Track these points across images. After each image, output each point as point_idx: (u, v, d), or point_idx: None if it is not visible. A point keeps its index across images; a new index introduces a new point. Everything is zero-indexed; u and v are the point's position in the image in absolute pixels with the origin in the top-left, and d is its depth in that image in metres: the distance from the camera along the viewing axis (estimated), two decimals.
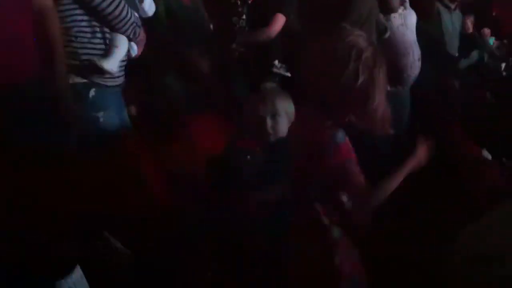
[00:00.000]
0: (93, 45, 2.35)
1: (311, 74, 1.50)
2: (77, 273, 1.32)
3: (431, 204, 1.96)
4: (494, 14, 8.65)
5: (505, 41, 7.02)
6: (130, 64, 2.58)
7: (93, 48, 2.35)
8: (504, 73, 5.41)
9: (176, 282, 1.54)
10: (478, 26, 7.71)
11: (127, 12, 2.40)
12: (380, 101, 1.42)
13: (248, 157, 2.62)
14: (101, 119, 2.38)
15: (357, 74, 1.38)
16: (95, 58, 2.32)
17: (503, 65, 5.15)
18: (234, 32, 3.62)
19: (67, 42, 2.27)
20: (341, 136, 1.45)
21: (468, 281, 1.02)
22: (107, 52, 2.37)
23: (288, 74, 3.60)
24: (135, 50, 2.63)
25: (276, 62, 3.57)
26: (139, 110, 3.04)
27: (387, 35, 3.01)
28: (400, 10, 3.05)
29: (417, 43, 3.20)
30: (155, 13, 2.73)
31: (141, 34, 2.61)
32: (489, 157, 2.52)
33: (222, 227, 1.62)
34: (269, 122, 2.08)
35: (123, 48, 2.43)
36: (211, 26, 3.61)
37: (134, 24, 2.47)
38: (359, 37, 1.45)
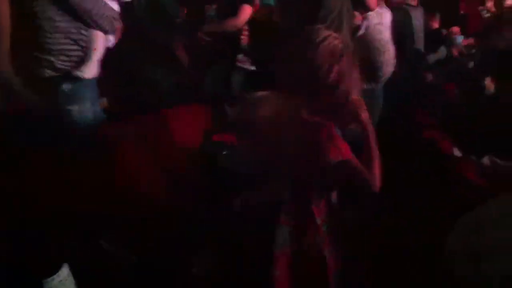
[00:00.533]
0: (69, 41, 2.31)
1: (290, 73, 1.53)
2: (65, 271, 1.30)
3: (424, 200, 2.01)
4: (461, 12, 8.87)
5: (472, 38, 7.20)
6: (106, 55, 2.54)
7: (68, 44, 2.31)
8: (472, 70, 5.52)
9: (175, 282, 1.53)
10: (447, 24, 7.89)
11: (102, 7, 2.37)
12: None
13: (224, 152, 2.62)
14: (76, 112, 2.35)
15: (330, 74, 1.44)
16: (74, 70, 2.31)
17: (472, 62, 5.26)
18: (203, 21, 3.65)
19: (42, 37, 2.24)
20: (340, 133, 1.50)
21: (458, 277, 1.06)
22: (85, 57, 2.34)
23: (253, 68, 3.66)
24: (111, 41, 2.61)
25: (241, 56, 3.62)
26: (114, 102, 3.01)
27: (359, 33, 3.04)
28: (377, 9, 3.09)
29: (391, 41, 3.26)
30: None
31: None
32: (460, 154, 2.59)
33: (216, 225, 1.62)
34: None
35: (101, 47, 2.41)
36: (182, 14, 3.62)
37: (111, 18, 2.43)
38: (335, 40, 1.49)
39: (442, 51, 6.35)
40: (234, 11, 3.48)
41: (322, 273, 1.40)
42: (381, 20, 3.19)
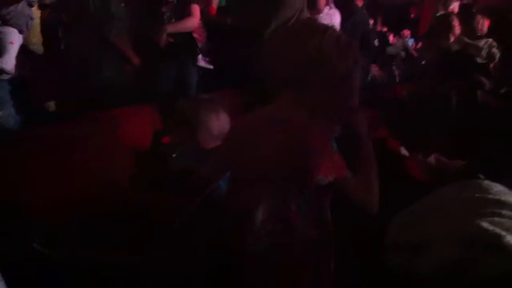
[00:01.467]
0: None
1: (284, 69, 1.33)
2: None
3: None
4: (412, 15, 9.15)
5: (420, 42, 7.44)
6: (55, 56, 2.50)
7: None
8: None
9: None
10: (398, 27, 8.12)
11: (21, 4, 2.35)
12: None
13: (174, 155, 2.58)
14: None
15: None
16: None
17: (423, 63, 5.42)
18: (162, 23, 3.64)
19: None
20: (335, 146, 1.31)
21: (394, 269, 1.07)
22: (1, 50, 2.32)
23: (211, 67, 3.69)
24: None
25: (200, 56, 3.65)
26: (63, 103, 2.93)
27: None
28: (326, 10, 3.12)
29: None
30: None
31: None
32: (407, 153, 2.65)
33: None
34: None
35: (18, 42, 2.39)
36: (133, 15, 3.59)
37: (28, 16, 2.41)
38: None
39: (399, 44, 6.54)
40: (187, 11, 3.49)
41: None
42: (330, 21, 3.22)
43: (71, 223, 1.67)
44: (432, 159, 2.49)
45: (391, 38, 7.77)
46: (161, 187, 1.98)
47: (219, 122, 2.05)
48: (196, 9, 3.50)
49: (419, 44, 6.65)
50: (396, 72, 6.56)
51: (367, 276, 1.17)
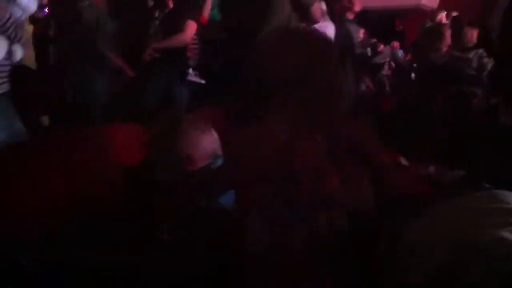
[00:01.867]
0: None
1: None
2: None
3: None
4: (399, 28, 9.29)
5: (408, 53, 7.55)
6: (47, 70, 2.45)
7: None
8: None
9: None
10: (385, 39, 8.23)
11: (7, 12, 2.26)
12: None
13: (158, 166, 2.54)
14: None
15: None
16: None
17: (413, 74, 5.47)
18: (149, 38, 3.66)
19: None
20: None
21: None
22: None
23: (203, 81, 3.70)
24: (20, 54, 2.44)
25: (190, 70, 3.67)
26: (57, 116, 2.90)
27: None
28: (321, 22, 3.13)
29: None
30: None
31: None
32: (406, 163, 2.65)
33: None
34: None
35: (1, 50, 2.27)
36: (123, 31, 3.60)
37: (15, 24, 2.31)
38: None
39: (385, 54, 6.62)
40: (179, 26, 3.51)
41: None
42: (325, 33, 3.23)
43: (68, 224, 1.63)
44: (431, 169, 2.49)
45: (381, 48, 7.84)
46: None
47: (203, 141, 1.94)
48: (191, 25, 3.53)
49: (408, 56, 6.73)
50: (386, 83, 6.63)
51: (367, 277, 1.16)
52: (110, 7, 3.46)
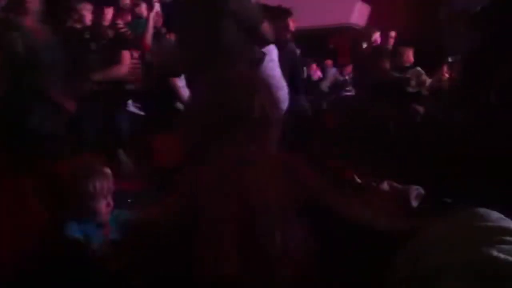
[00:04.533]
0: None
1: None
2: None
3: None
4: (331, 46, 9.60)
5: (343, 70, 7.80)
6: None
7: None
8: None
9: None
10: (320, 57, 8.49)
11: None
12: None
13: (129, 200, 2.46)
14: None
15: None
16: None
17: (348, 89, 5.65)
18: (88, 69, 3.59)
19: None
20: None
21: None
22: None
23: (141, 113, 3.71)
24: None
25: (130, 101, 3.66)
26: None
27: (263, 65, 3.08)
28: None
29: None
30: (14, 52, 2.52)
31: None
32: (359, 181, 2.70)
33: None
34: None
35: None
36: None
37: None
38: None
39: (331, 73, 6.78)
40: (115, 58, 3.50)
41: None
42: (272, 57, 3.26)
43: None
44: (385, 185, 2.55)
45: (314, 67, 8.06)
46: None
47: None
48: (124, 55, 3.52)
49: (347, 72, 6.96)
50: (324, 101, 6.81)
51: None
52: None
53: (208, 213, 1.23)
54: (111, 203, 1.80)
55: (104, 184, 1.75)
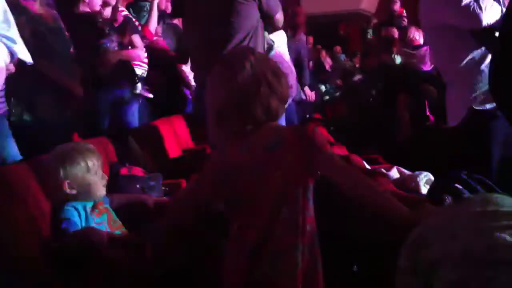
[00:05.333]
0: None
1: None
2: None
3: None
4: (342, 33, 9.52)
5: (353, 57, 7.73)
6: None
7: None
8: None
9: None
10: (330, 44, 8.42)
11: None
12: None
13: (138, 185, 2.45)
14: None
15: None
16: None
17: (357, 77, 5.55)
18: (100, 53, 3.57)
19: None
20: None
21: None
22: None
23: (150, 96, 3.69)
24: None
25: (139, 85, 3.63)
26: None
27: (272, 53, 3.07)
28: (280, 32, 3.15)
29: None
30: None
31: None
32: (369, 167, 2.69)
33: None
34: None
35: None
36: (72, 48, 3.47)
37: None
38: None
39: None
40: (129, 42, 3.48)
41: None
42: (281, 43, 3.26)
43: None
44: (394, 171, 2.53)
45: (323, 54, 7.96)
46: None
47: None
48: (136, 40, 3.53)
49: (356, 60, 6.89)
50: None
51: None
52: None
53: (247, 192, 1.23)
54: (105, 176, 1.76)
55: (94, 160, 1.72)
